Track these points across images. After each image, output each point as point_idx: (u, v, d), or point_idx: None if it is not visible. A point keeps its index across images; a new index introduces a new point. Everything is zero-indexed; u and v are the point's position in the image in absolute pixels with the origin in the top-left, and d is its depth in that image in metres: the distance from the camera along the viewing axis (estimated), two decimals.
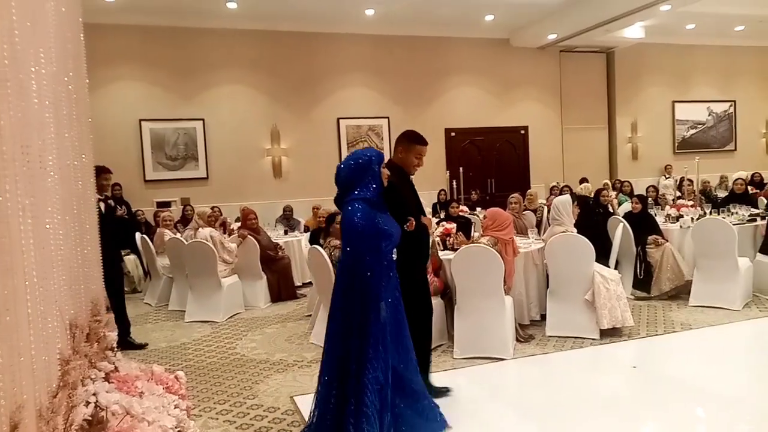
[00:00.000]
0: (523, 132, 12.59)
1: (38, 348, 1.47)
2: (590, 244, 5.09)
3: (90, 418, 1.58)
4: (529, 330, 5.29)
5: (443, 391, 3.84)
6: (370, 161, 3.09)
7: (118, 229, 5.92)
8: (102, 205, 5.38)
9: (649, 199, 8.11)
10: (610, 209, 7.77)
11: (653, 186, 9.76)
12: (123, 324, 5.49)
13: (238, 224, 7.78)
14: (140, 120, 10.01)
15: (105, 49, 9.50)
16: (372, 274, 2.95)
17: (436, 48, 11.60)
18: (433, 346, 4.19)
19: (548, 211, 7.18)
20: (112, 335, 2.37)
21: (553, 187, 10.93)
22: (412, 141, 3.72)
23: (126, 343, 5.29)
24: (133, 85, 10.06)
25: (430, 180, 10.44)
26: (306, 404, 3.87)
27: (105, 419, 1.61)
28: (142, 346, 5.50)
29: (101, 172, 5.39)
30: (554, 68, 12.71)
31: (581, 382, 4.24)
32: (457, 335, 4.77)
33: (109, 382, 1.89)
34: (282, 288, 7.29)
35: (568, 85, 12.82)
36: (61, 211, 1.96)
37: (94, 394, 1.68)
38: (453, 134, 11.93)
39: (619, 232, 6.21)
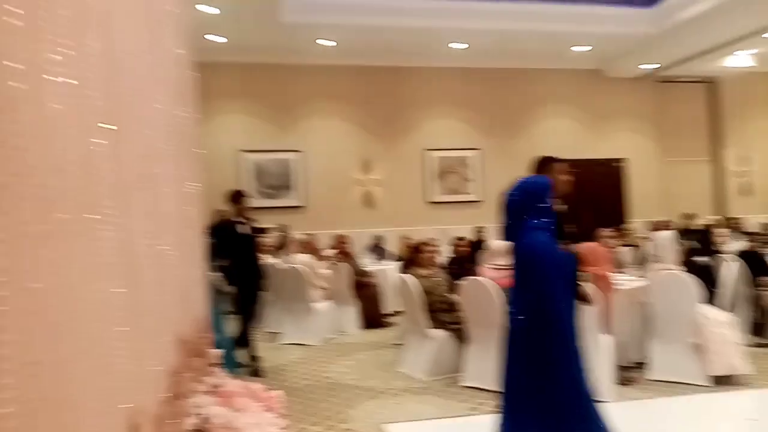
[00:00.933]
0: (620, 164, 12.08)
1: (154, 359, 1.58)
2: (695, 282, 4.76)
3: (197, 429, 1.66)
4: (630, 373, 4.98)
5: None
6: (544, 189, 3.02)
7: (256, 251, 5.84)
8: (247, 228, 5.54)
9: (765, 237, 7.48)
10: (720, 248, 7.24)
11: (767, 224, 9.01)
12: (241, 343, 5.63)
13: (333, 251, 7.98)
14: (241, 151, 10.60)
15: (210, 85, 10.18)
16: (562, 306, 2.87)
17: (525, 79, 11.49)
18: None
19: (649, 247, 6.82)
20: (215, 352, 2.49)
21: (657, 221, 10.34)
22: (551, 162, 3.60)
23: (229, 361, 5.43)
24: (234, 119, 10.72)
25: None
26: None
27: (210, 431, 1.69)
28: (241, 365, 5.63)
29: (242, 195, 5.56)
30: (651, 99, 12.19)
31: None
32: None
33: (212, 396, 1.98)
34: (371, 315, 7.35)
35: (667, 116, 12.21)
36: (175, 234, 2.11)
37: (200, 406, 1.77)
38: None
39: (732, 272, 5.77)
